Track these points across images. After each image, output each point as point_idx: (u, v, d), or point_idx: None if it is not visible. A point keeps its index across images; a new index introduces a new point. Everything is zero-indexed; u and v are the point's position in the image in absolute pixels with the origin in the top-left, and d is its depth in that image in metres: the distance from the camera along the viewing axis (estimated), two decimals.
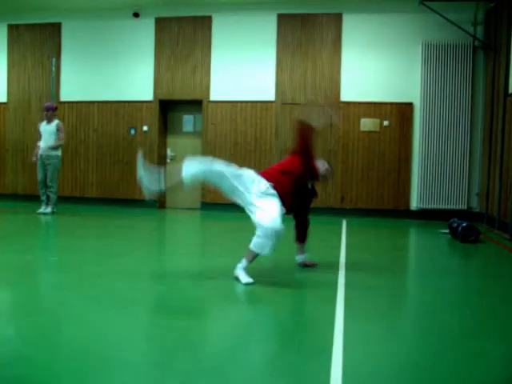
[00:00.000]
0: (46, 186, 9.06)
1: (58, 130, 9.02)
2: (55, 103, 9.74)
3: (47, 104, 9.20)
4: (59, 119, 9.43)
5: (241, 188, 4.55)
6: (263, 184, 4.55)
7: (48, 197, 9.09)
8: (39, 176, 9.06)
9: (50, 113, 9.04)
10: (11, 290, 4.13)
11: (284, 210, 4.48)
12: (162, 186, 4.51)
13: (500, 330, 3.44)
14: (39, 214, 8.96)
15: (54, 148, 9.01)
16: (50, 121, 9.06)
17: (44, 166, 9.00)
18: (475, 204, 9.77)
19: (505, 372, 2.76)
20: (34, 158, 9.17)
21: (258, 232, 4.32)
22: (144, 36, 10.81)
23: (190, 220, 9.84)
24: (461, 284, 4.93)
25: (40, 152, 9.03)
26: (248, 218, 4.62)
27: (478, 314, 3.86)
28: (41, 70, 11.34)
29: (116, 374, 2.52)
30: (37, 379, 2.43)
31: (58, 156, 9.07)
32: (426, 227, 8.99)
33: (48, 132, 9.00)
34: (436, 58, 9.69)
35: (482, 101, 9.67)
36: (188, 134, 11.12)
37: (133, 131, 10.93)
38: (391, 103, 9.96)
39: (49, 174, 9.00)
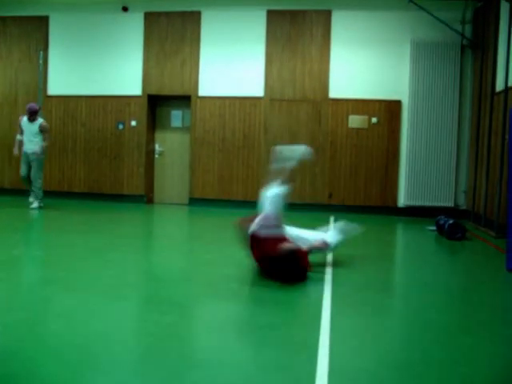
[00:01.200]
0: (29, 179, 8.97)
1: (42, 130, 8.93)
2: (38, 105, 9.54)
3: (30, 106, 9.01)
4: (43, 118, 9.34)
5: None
6: None
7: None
8: (22, 172, 8.98)
9: (34, 115, 8.94)
10: None
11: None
12: None
13: (486, 327, 3.47)
14: (32, 208, 8.86)
15: (40, 149, 8.95)
16: (33, 120, 8.96)
17: (28, 161, 8.93)
18: (462, 201, 9.84)
19: (490, 368, 2.79)
20: (16, 151, 9.09)
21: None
22: (133, 30, 10.75)
23: (178, 215, 9.82)
24: (447, 280, 4.97)
25: (24, 149, 8.96)
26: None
27: (464, 311, 3.90)
28: (28, 63, 11.22)
29: (103, 369, 2.52)
30: (23, 374, 2.42)
31: (42, 152, 9.00)
32: (413, 224, 9.04)
33: (31, 132, 8.90)
34: (424, 56, 9.72)
35: (469, 99, 9.73)
36: (176, 129, 11.08)
37: (121, 126, 10.87)
38: (379, 100, 9.99)
39: (33, 170, 8.92)
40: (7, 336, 2.94)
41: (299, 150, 5.29)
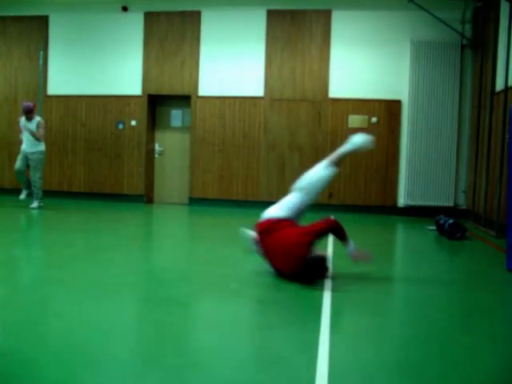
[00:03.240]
0: (24, 172, 8.96)
1: (39, 127, 8.92)
2: (32, 103, 9.50)
3: (25, 105, 8.99)
4: (42, 117, 9.35)
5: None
6: None
7: (29, 182, 9.02)
8: (17, 165, 8.97)
9: (30, 114, 8.95)
10: None
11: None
12: None
13: (487, 326, 3.47)
14: (21, 200, 8.88)
15: (36, 141, 8.93)
16: (30, 119, 8.96)
17: (27, 159, 8.93)
18: (462, 201, 9.84)
19: (492, 368, 2.79)
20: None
21: None
22: (133, 30, 10.74)
23: (178, 215, 9.82)
24: (447, 280, 4.97)
25: (23, 148, 8.97)
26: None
27: (464, 311, 3.90)
28: (28, 63, 11.22)
29: (103, 368, 2.52)
30: (23, 374, 2.42)
31: (42, 151, 8.99)
32: (413, 224, 9.04)
33: (29, 130, 8.92)
34: (424, 55, 9.72)
35: (469, 99, 9.73)
36: (176, 128, 11.08)
37: (121, 126, 10.87)
38: (379, 100, 9.99)
39: (31, 169, 8.93)
40: (7, 336, 2.94)
41: (362, 138, 4.86)
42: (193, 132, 10.59)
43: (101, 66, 10.89)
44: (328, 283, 4.31)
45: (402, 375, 2.59)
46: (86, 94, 10.96)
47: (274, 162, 10.26)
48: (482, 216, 8.38)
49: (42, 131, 8.95)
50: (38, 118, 9.02)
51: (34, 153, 8.90)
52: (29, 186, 9.06)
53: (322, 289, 4.11)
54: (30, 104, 9.06)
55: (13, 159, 10.98)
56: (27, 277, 4.61)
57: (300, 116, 10.24)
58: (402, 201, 9.97)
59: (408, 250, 7.17)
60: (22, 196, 9.04)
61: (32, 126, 8.91)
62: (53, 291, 3.95)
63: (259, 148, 10.31)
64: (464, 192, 9.77)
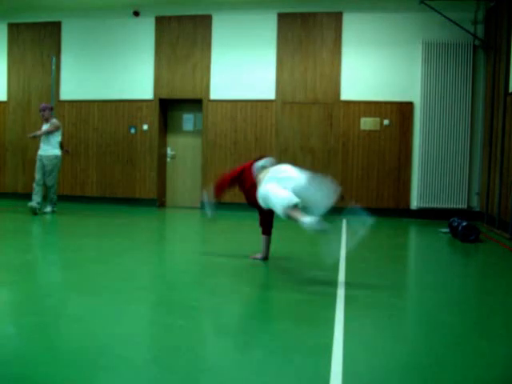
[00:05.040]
0: (42, 185, 8.96)
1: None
2: (51, 104, 9.65)
3: (42, 105, 9.15)
4: (57, 118, 9.41)
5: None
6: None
7: (45, 197, 9.06)
8: (37, 176, 8.98)
9: (47, 112, 9.01)
10: (12, 288, 4.13)
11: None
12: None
13: (500, 330, 3.44)
14: (30, 206, 8.81)
15: (37, 137, 8.98)
16: (47, 121, 9.04)
17: (43, 166, 8.95)
18: (475, 203, 9.76)
19: (505, 371, 2.76)
20: (30, 135, 9.24)
21: None
22: (144, 35, 10.80)
23: (190, 219, 9.83)
24: (461, 283, 4.94)
25: (39, 152, 9.02)
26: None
27: (478, 314, 3.86)
28: (41, 68, 11.32)
29: (116, 373, 2.52)
30: (37, 378, 2.43)
31: (57, 156, 9.04)
32: (426, 226, 8.98)
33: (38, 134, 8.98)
34: (436, 56, 9.68)
35: (482, 100, 9.66)
36: (188, 132, 11.11)
37: (133, 130, 10.92)
38: (391, 102, 9.95)
39: (48, 174, 8.95)
40: (20, 339, 2.96)
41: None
42: (205, 136, 10.62)
43: (113, 70, 10.96)
44: (341, 287, 4.30)
45: (416, 379, 2.57)
46: (98, 99, 11.04)
47: None
48: (496, 218, 8.31)
49: (46, 127, 8.95)
50: (53, 120, 9.07)
51: (48, 157, 8.94)
52: (44, 199, 9.05)
53: (334, 292, 4.09)
54: (44, 104, 9.21)
55: (27, 164, 11.12)
56: (41, 281, 4.63)
57: (312, 119, 10.22)
58: (414, 203, 9.92)
59: (421, 253, 7.13)
60: (32, 203, 8.93)
61: (47, 127, 8.97)
62: (67, 295, 3.97)
63: (271, 151, 10.29)
64: (477, 194, 9.70)
